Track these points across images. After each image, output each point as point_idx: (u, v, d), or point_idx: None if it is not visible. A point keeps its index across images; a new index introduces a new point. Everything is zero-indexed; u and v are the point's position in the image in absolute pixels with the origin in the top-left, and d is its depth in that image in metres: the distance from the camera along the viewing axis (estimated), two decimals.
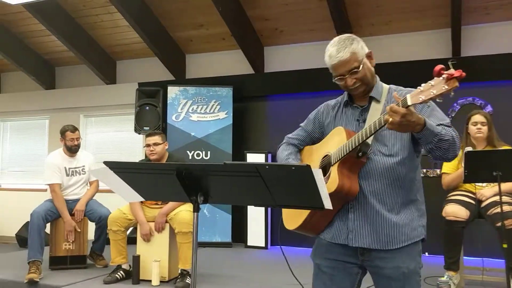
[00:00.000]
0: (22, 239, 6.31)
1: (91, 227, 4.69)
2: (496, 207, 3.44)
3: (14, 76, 7.88)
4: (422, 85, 1.58)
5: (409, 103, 1.58)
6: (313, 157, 2.01)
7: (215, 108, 6.08)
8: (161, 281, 3.94)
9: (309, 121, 2.09)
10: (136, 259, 3.99)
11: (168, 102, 6.10)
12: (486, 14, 5.30)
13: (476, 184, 3.78)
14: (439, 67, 1.54)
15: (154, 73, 6.85)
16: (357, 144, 1.75)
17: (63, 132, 4.70)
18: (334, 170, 1.80)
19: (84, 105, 7.20)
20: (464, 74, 1.50)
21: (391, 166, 1.80)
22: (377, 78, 1.92)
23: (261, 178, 1.47)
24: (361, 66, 1.81)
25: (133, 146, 6.98)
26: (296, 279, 3.59)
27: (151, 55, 6.67)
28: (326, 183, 1.79)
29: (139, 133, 6.21)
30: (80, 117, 7.27)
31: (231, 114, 6.05)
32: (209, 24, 6.16)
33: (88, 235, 4.65)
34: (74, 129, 4.73)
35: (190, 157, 5.96)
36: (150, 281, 3.92)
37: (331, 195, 1.73)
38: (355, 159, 1.80)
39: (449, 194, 3.84)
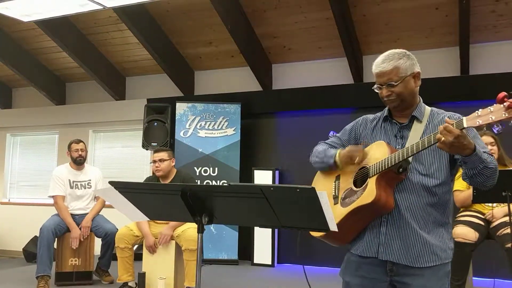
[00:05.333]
0: (29, 254, 6.32)
1: (97, 242, 4.70)
2: (505, 228, 3.39)
3: (25, 91, 7.97)
4: (480, 110, 1.61)
5: (465, 125, 1.61)
6: (351, 167, 2.01)
7: (223, 124, 6.10)
8: None
9: (345, 131, 2.12)
10: (142, 276, 3.98)
11: (176, 118, 6.13)
12: (496, 32, 5.29)
13: (486, 204, 3.73)
14: (502, 94, 1.57)
15: (163, 89, 6.90)
16: (401, 159, 1.77)
17: (68, 145, 4.79)
18: (372, 182, 1.82)
19: (93, 120, 7.25)
20: None
21: (426, 185, 1.83)
22: (420, 99, 1.96)
23: (266, 200, 1.47)
24: (400, 81, 1.86)
25: (141, 162, 7.00)
26: None
27: (160, 71, 6.73)
28: (362, 194, 1.82)
29: (147, 149, 6.24)
30: (89, 132, 7.32)
31: (239, 131, 6.06)
32: (218, 41, 6.22)
33: (94, 251, 4.64)
34: (79, 141, 4.80)
35: (198, 174, 5.96)
36: None
37: (367, 206, 1.78)
38: (394, 174, 1.82)
39: (458, 215, 3.79)
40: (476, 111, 1.62)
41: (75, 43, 6.47)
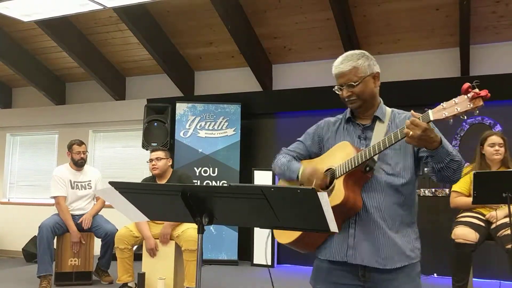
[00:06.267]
0: (28, 254, 6.32)
1: (97, 243, 4.69)
2: (506, 229, 3.39)
3: (25, 91, 7.96)
4: (444, 102, 1.61)
5: (431, 118, 1.61)
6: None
7: (223, 124, 6.10)
8: None
9: (308, 135, 2.10)
10: (142, 277, 3.97)
11: (176, 118, 6.13)
12: (496, 33, 5.29)
13: (487, 205, 3.73)
14: (467, 85, 1.57)
15: (163, 89, 6.90)
16: (367, 158, 1.76)
17: (70, 146, 4.76)
18: (339, 183, 1.80)
19: (93, 120, 7.24)
20: (489, 95, 1.55)
21: (393, 184, 1.82)
22: (381, 100, 1.96)
23: (266, 200, 1.47)
24: (360, 82, 1.85)
25: (140, 162, 6.97)
26: None
27: (160, 71, 6.73)
28: (329, 195, 1.79)
29: (147, 149, 6.23)
30: (89, 132, 7.31)
31: (239, 131, 6.06)
32: (218, 42, 6.21)
33: (94, 251, 4.64)
34: (81, 143, 4.79)
35: (198, 174, 5.96)
36: None
37: (335, 207, 1.73)
38: (361, 174, 1.80)
39: (459, 216, 3.79)
40: (441, 104, 1.61)
41: (75, 43, 6.46)
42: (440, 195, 5.19)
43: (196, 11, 5.81)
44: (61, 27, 6.17)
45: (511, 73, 5.12)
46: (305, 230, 1.77)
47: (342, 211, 1.78)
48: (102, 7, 4.91)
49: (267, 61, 6.36)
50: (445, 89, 5.21)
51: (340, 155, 1.86)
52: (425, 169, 1.85)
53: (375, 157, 1.79)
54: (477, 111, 1.58)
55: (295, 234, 1.87)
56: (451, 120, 1.62)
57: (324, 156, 1.99)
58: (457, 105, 1.58)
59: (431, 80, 5.37)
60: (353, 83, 1.85)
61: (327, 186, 1.86)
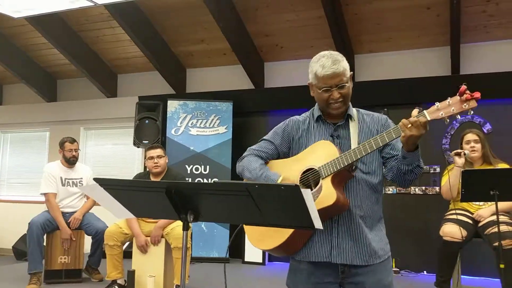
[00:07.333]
0: (19, 252, 6.28)
1: (87, 240, 4.67)
2: (493, 227, 3.41)
3: (16, 88, 7.91)
4: (437, 103, 1.66)
5: (428, 118, 1.65)
6: (291, 170, 1.92)
7: (215, 122, 6.09)
8: None
9: (277, 134, 2.05)
10: (131, 274, 3.96)
11: (167, 116, 6.12)
12: (486, 32, 5.32)
13: (474, 203, 3.76)
14: (464, 87, 1.63)
15: (155, 87, 6.88)
16: (358, 157, 1.76)
17: (62, 143, 4.74)
18: (327, 184, 1.78)
19: (85, 118, 7.22)
20: (480, 97, 1.63)
21: (371, 183, 1.86)
22: None
23: (251, 198, 1.47)
24: (347, 82, 1.85)
25: (131, 160, 6.98)
26: None
27: (151, 69, 6.71)
28: (318, 196, 1.78)
29: (138, 147, 6.22)
30: (81, 129, 7.28)
31: (231, 129, 6.05)
32: (210, 39, 6.20)
33: (84, 249, 4.62)
34: (73, 141, 4.76)
35: (189, 172, 5.95)
36: None
37: (328, 208, 1.75)
38: (347, 173, 1.81)
39: (447, 213, 3.82)
40: (435, 104, 1.66)
41: (66, 40, 6.43)
42: (431, 193, 5.22)
43: (187, 8, 5.80)
44: (52, 24, 6.14)
45: (501, 72, 5.15)
46: (289, 227, 1.77)
47: (332, 211, 1.78)
48: (93, 4, 4.89)
49: (259, 59, 6.36)
50: (436, 87, 5.24)
51: (322, 154, 1.84)
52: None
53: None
54: (472, 112, 1.65)
55: (281, 239, 1.83)
56: (448, 120, 1.67)
57: (300, 156, 1.94)
58: (452, 105, 1.64)
59: (422, 79, 5.39)
60: (345, 84, 1.84)
61: (309, 187, 1.84)
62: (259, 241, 1.92)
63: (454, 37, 5.16)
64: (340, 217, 1.82)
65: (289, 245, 1.85)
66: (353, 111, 1.95)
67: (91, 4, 4.88)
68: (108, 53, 6.87)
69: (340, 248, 1.81)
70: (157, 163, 4.17)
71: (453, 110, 1.63)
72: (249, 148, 2.10)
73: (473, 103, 1.62)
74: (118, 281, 4.09)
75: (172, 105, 6.14)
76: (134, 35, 5.98)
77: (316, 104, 1.98)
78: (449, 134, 5.25)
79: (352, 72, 1.90)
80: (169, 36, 6.35)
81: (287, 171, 1.93)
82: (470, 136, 3.82)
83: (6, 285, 4.42)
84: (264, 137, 2.09)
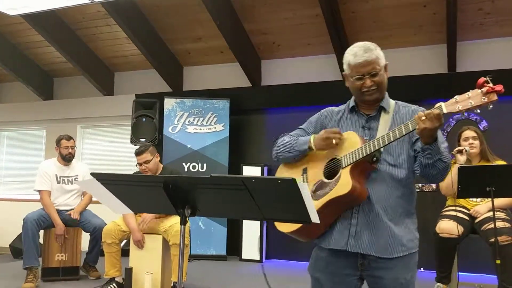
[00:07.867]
0: (16, 250, 6.26)
1: (85, 238, 4.67)
2: (489, 223, 3.43)
3: (12, 86, 7.89)
4: (457, 96, 1.62)
5: (445, 111, 1.63)
6: (318, 159, 1.96)
7: (212, 120, 6.09)
8: None
9: (311, 123, 2.08)
10: (129, 272, 3.96)
11: (164, 114, 6.11)
12: (482, 30, 5.34)
13: (470, 199, 3.77)
14: (482, 79, 1.59)
15: (152, 85, 6.87)
16: (377, 148, 1.76)
17: (58, 141, 4.74)
18: (345, 173, 1.80)
19: (82, 116, 7.20)
20: (503, 90, 1.56)
21: (396, 176, 1.83)
22: (386, 92, 1.97)
23: (247, 191, 1.47)
24: (381, 71, 1.86)
25: (129, 158, 6.96)
26: None
27: (149, 67, 6.70)
28: (335, 185, 1.80)
29: (135, 145, 6.20)
30: (77, 128, 7.27)
31: (228, 127, 6.06)
32: (207, 37, 6.20)
33: (81, 246, 4.62)
34: (69, 138, 4.76)
35: (186, 169, 5.95)
36: None
37: (342, 197, 1.76)
38: (368, 164, 1.81)
39: (444, 209, 3.83)
40: (455, 97, 1.63)
41: (63, 38, 6.41)
42: (427, 190, 5.24)
43: (184, 6, 5.79)
44: (49, 22, 6.12)
45: (497, 69, 5.16)
46: (286, 221, 1.77)
47: (348, 201, 1.79)
48: (89, 1, 4.88)
49: (256, 56, 6.36)
50: (432, 85, 5.25)
51: (346, 145, 1.85)
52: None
53: (381, 148, 1.80)
54: (491, 106, 1.59)
55: (295, 225, 1.86)
56: (465, 114, 1.64)
57: None
58: (471, 98, 1.60)
59: (419, 76, 5.40)
60: (378, 72, 1.85)
61: (333, 176, 1.86)
62: (280, 224, 1.94)
63: (450, 34, 5.17)
64: (360, 207, 1.82)
65: (307, 230, 1.86)
66: (390, 103, 1.94)
67: (88, 1, 4.87)
68: (105, 51, 6.86)
69: (356, 238, 1.81)
70: (145, 168, 4.12)
71: (471, 103, 1.59)
72: (283, 133, 2.13)
73: (493, 96, 1.57)
74: (116, 279, 4.09)
75: (169, 103, 6.14)
76: (131, 33, 5.97)
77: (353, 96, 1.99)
78: (445, 131, 5.26)
79: (387, 62, 1.90)
80: (166, 34, 6.34)
81: (314, 159, 1.96)
82: (468, 133, 3.83)
83: (3, 283, 4.41)
84: (300, 126, 2.12)
